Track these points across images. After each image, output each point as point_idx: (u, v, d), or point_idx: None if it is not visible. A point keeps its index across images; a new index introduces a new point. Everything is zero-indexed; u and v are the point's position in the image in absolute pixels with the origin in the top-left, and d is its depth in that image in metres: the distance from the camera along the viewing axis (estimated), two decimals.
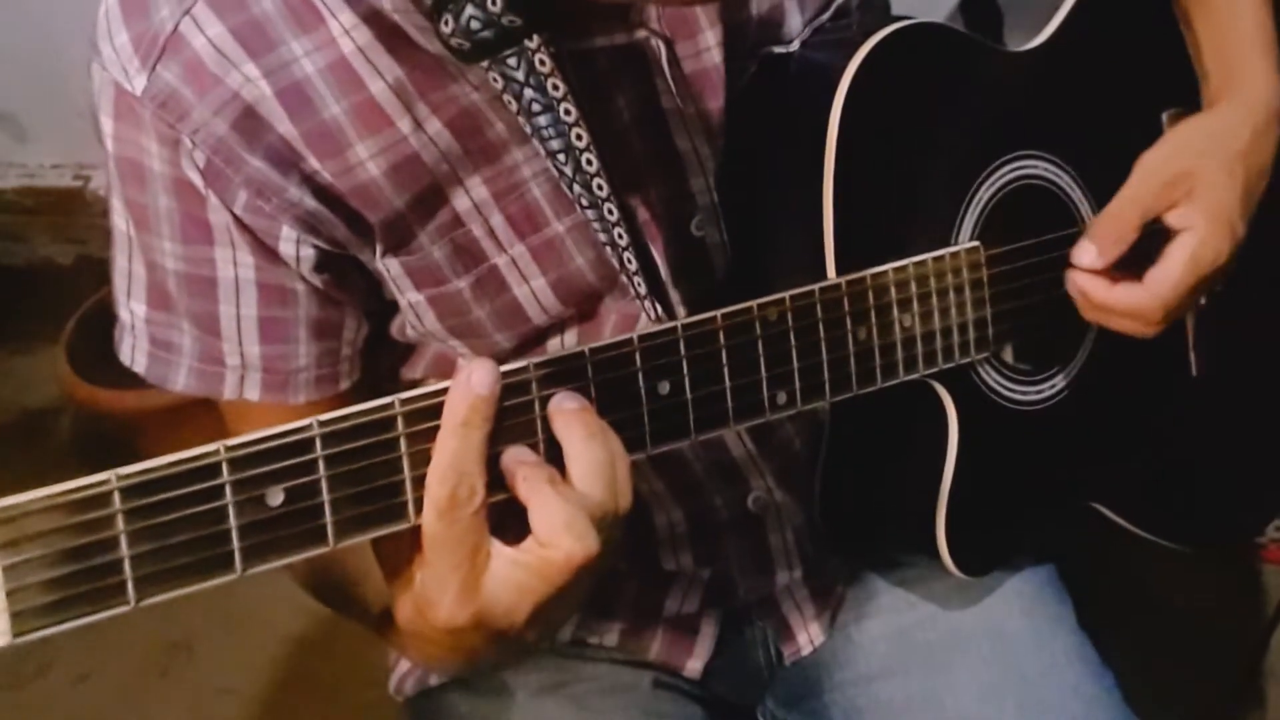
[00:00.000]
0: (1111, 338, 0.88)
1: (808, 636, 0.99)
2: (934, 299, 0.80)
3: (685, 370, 0.68)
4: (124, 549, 0.53)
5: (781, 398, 0.73)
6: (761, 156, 0.82)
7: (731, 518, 0.92)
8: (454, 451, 0.60)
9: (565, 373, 0.64)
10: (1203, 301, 0.96)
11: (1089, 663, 0.94)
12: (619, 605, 0.96)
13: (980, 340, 0.83)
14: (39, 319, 1.98)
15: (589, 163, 0.71)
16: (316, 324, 0.78)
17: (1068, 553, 0.99)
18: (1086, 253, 0.85)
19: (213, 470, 0.55)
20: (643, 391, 0.67)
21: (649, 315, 0.76)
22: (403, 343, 0.85)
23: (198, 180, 0.72)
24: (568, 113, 0.70)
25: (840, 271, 0.77)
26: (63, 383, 1.80)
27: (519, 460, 0.63)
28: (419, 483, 0.61)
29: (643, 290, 0.75)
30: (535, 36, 0.67)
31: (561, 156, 0.71)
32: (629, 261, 0.74)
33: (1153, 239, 0.85)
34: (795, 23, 0.84)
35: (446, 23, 0.66)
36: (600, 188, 0.72)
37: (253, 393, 0.79)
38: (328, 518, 0.58)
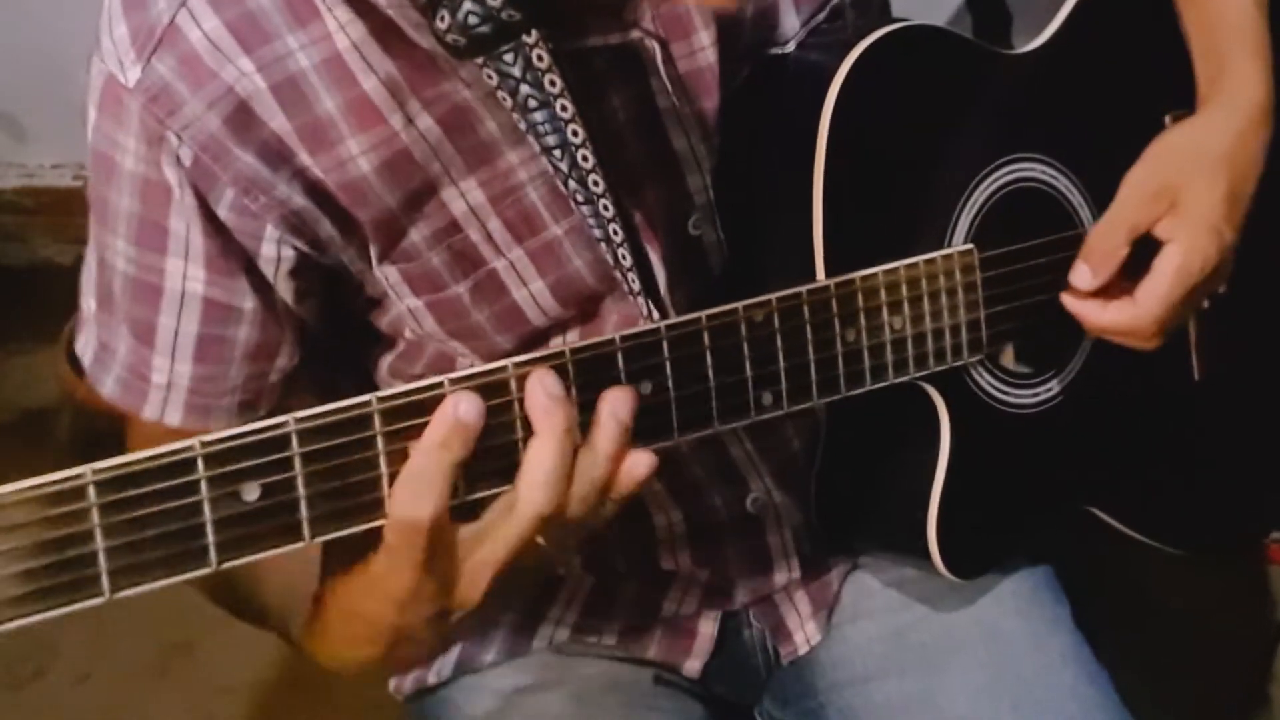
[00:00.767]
0: (1111, 342, 0.88)
1: (804, 636, 0.98)
2: (925, 301, 0.80)
3: (668, 370, 0.68)
4: (99, 542, 0.54)
5: (767, 398, 0.73)
6: (757, 156, 0.82)
7: (730, 518, 0.92)
8: (423, 468, 0.61)
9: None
10: (1205, 304, 0.95)
11: (1085, 663, 0.94)
12: (618, 605, 0.96)
13: (974, 343, 0.83)
14: (39, 319, 1.98)
15: (585, 159, 0.71)
16: (254, 346, 0.78)
17: (1066, 554, 0.99)
18: (1082, 275, 0.85)
19: (188, 465, 0.56)
20: None
21: (644, 314, 0.76)
22: (400, 341, 0.85)
23: (174, 179, 0.72)
24: (564, 109, 0.70)
25: (829, 273, 0.77)
26: (63, 383, 1.80)
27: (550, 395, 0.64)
28: (395, 479, 0.61)
29: (636, 287, 0.75)
30: (534, 32, 0.68)
31: (557, 153, 0.71)
32: (624, 258, 0.74)
33: (1147, 253, 0.85)
34: (790, 23, 0.84)
35: (442, 18, 0.66)
36: (596, 184, 0.72)
37: (174, 415, 0.79)
38: (303, 513, 0.59)
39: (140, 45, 0.71)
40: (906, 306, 0.79)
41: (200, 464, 0.56)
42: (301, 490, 0.58)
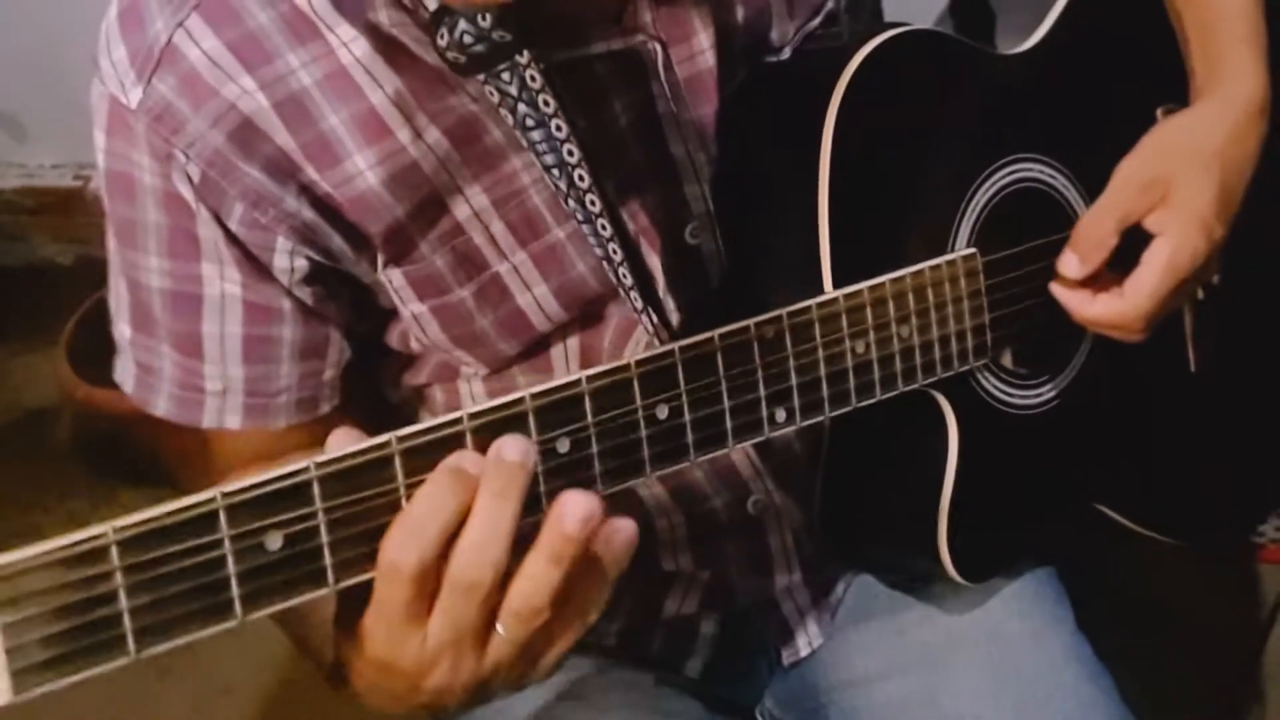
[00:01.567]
0: (1108, 338, 0.88)
1: (806, 638, 0.99)
2: (932, 309, 0.80)
3: (684, 394, 0.68)
4: (123, 602, 0.52)
5: (780, 415, 0.72)
6: (756, 164, 0.81)
7: (731, 520, 0.92)
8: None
9: (562, 402, 0.63)
10: (1200, 296, 0.96)
11: (1086, 663, 0.94)
12: (619, 605, 0.96)
13: (979, 347, 0.83)
14: (39, 319, 1.97)
15: (581, 178, 0.71)
16: (301, 344, 0.78)
17: (1067, 555, 0.99)
18: (1070, 264, 0.85)
19: (210, 519, 0.54)
20: (641, 418, 0.66)
21: (646, 327, 0.76)
22: (405, 353, 0.85)
23: (188, 195, 0.72)
24: (559, 129, 0.70)
25: (836, 281, 0.76)
26: (63, 383, 1.79)
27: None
28: None
29: (639, 305, 0.75)
30: (525, 53, 0.67)
31: (555, 171, 0.71)
32: (624, 277, 0.74)
33: (1137, 245, 0.85)
34: (783, 28, 0.84)
35: (442, 36, 0.66)
36: (593, 203, 0.72)
37: (233, 419, 0.79)
38: (327, 559, 0.57)
39: (140, 67, 0.71)
40: (914, 315, 0.78)
41: (223, 516, 0.55)
42: (325, 536, 0.57)
